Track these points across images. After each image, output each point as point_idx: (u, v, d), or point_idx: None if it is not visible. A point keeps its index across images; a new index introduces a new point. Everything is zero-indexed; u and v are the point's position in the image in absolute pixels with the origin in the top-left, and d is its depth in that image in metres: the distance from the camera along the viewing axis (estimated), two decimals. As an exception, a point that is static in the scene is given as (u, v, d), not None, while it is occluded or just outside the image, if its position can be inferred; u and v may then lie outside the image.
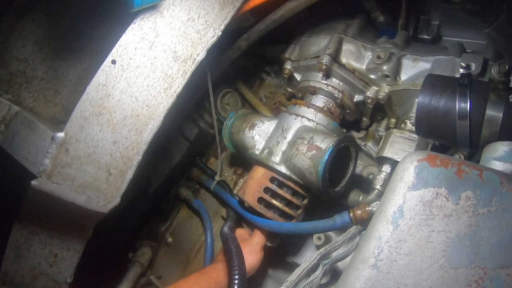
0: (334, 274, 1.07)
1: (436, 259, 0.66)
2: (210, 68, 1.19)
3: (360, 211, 0.95)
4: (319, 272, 0.95)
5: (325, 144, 1.03)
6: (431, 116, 0.90)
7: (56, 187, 0.95)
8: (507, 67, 0.87)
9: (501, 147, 0.78)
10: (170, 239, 1.49)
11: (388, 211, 0.70)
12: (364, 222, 0.94)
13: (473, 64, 1.06)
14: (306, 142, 1.06)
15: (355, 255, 0.73)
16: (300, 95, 1.27)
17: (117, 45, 0.97)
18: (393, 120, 1.20)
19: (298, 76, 1.27)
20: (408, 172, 0.71)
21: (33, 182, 0.94)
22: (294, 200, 1.13)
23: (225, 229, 1.17)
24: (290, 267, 1.21)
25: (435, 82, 0.93)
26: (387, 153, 1.06)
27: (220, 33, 1.06)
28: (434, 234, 0.67)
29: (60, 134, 0.95)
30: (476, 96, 0.87)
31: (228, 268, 1.02)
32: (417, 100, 0.95)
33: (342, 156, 1.08)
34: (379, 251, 0.69)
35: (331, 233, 1.19)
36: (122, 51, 0.97)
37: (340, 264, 1.04)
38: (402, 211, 0.69)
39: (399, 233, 0.69)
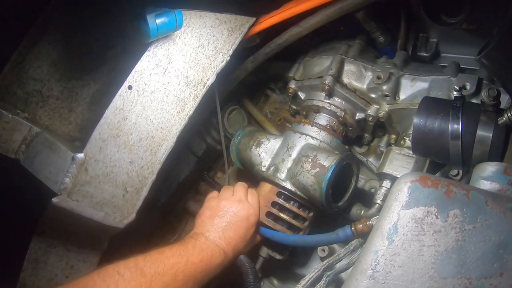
0: (338, 284, 1.15)
1: (426, 270, 0.77)
2: (218, 88, 1.30)
3: (361, 225, 1.04)
4: (322, 282, 1.04)
5: (328, 162, 1.14)
6: (426, 137, 1.01)
7: (76, 204, 1.05)
8: (496, 91, 0.97)
9: (488, 167, 0.88)
10: (178, 251, 1.58)
11: (384, 227, 0.81)
12: (365, 235, 1.02)
13: (468, 84, 1.16)
14: (310, 160, 1.17)
15: (355, 267, 0.83)
16: (304, 113, 1.37)
17: (133, 71, 1.08)
18: (393, 136, 1.30)
19: (302, 95, 1.37)
20: (402, 192, 0.82)
21: (54, 199, 1.03)
22: (301, 213, 1.22)
23: None
24: (296, 278, 1.30)
25: (429, 105, 1.03)
26: (387, 169, 1.17)
27: (228, 58, 1.17)
28: (424, 248, 0.78)
29: (80, 155, 1.04)
30: (468, 118, 0.97)
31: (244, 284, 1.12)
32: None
33: (344, 173, 1.19)
34: (375, 263, 0.79)
35: (334, 245, 1.29)
36: (138, 77, 1.08)
37: (343, 275, 1.12)
38: (397, 228, 0.80)
39: (394, 248, 0.79)
